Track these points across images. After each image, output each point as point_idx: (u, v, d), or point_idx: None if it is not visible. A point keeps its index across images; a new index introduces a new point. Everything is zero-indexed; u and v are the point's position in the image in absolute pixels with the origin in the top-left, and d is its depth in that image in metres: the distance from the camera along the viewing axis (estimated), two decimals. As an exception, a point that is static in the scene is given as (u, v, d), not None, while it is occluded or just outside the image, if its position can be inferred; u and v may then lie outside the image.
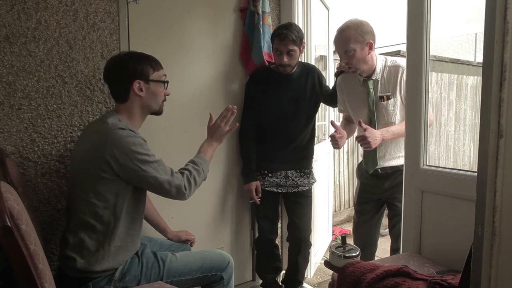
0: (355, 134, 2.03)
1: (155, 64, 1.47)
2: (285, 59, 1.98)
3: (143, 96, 1.44)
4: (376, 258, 2.12)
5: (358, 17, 1.81)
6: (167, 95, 1.53)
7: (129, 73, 1.41)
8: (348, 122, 2.12)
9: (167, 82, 1.51)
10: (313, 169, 2.27)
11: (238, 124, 1.65)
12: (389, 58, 1.87)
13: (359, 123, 1.75)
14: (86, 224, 1.34)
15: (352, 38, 1.75)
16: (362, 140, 1.73)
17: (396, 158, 1.87)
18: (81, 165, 1.39)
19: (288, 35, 1.93)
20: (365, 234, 2.07)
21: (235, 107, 1.62)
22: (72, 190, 1.43)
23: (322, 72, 2.27)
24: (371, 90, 1.83)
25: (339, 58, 1.95)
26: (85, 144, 1.40)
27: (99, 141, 1.33)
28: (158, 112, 1.53)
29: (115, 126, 1.34)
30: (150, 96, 1.46)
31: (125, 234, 1.40)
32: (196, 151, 1.72)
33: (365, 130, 1.73)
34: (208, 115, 2.16)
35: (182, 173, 1.45)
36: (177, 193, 1.41)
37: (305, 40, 2.11)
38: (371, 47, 1.78)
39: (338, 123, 1.98)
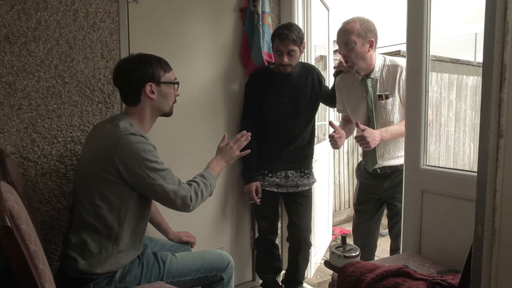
0: (355, 133, 2.03)
1: (165, 65, 1.46)
2: (286, 59, 1.98)
3: (154, 99, 1.43)
4: (376, 258, 2.12)
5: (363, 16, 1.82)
6: (177, 96, 1.53)
7: (141, 76, 1.40)
8: (346, 122, 2.12)
9: (178, 83, 1.50)
10: (313, 169, 2.27)
11: (250, 150, 1.66)
12: (388, 58, 1.87)
13: (357, 124, 1.76)
14: (89, 225, 1.34)
15: (355, 31, 1.76)
16: (361, 140, 1.73)
17: (395, 158, 1.87)
18: (88, 165, 1.38)
19: (289, 35, 1.93)
20: (364, 234, 2.07)
21: (250, 134, 1.64)
22: (77, 189, 1.43)
23: (322, 72, 2.27)
24: (370, 88, 1.83)
25: (338, 58, 1.95)
26: (94, 145, 1.40)
27: (109, 144, 1.33)
28: (168, 114, 1.53)
29: (127, 131, 1.33)
30: (161, 98, 1.45)
31: (129, 238, 1.40)
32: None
33: (363, 130, 1.73)
34: (208, 115, 2.17)
35: (190, 185, 1.44)
36: (182, 205, 1.40)
37: (305, 40, 2.11)
38: (371, 45, 1.79)
39: (337, 123, 1.98)
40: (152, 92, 1.42)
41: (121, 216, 1.36)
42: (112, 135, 1.34)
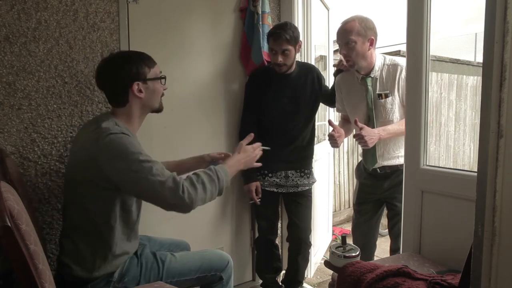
0: (354, 133, 2.03)
1: (148, 61, 1.40)
2: (280, 58, 1.98)
3: (143, 98, 1.38)
4: (375, 258, 2.12)
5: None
6: (165, 89, 1.47)
7: (126, 76, 1.34)
8: (345, 122, 2.12)
9: (165, 77, 1.45)
10: (313, 169, 2.27)
11: (261, 164, 1.60)
12: (388, 57, 1.88)
13: (355, 122, 1.76)
14: (79, 229, 1.32)
15: (354, 30, 1.76)
16: (360, 139, 1.74)
17: (395, 158, 1.87)
18: (73, 168, 1.36)
19: (282, 35, 1.93)
20: (364, 234, 2.07)
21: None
22: (66, 193, 1.41)
23: (322, 72, 2.27)
24: (370, 87, 1.84)
25: (338, 58, 1.95)
26: (78, 146, 1.38)
27: (90, 145, 1.28)
28: (159, 110, 1.47)
29: (108, 131, 1.27)
30: (150, 96, 1.40)
31: (121, 240, 1.37)
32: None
33: (361, 129, 1.73)
34: (209, 115, 2.17)
35: (187, 176, 1.30)
36: (173, 197, 1.22)
37: (301, 39, 2.10)
38: (372, 43, 1.79)
39: (336, 123, 1.98)
40: (140, 91, 1.36)
41: (111, 218, 1.31)
42: (93, 137, 1.28)
